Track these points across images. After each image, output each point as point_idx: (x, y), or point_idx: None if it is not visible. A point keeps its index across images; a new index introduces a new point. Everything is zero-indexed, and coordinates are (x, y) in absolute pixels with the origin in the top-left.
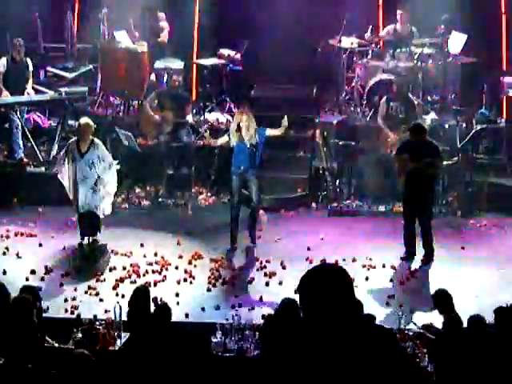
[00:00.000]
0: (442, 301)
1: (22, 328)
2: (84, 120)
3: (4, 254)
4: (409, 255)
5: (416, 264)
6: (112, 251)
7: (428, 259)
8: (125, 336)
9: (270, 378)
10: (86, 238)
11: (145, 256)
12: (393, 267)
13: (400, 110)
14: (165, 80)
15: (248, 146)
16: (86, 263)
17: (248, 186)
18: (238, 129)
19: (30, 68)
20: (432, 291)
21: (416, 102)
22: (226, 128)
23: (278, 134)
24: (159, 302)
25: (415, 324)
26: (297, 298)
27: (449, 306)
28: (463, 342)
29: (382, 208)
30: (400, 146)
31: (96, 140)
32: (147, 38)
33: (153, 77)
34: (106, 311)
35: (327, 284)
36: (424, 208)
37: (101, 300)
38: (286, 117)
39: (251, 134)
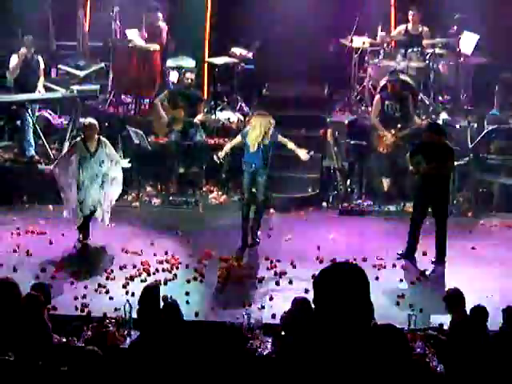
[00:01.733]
0: (455, 301)
1: (32, 325)
2: (89, 120)
3: (14, 251)
4: (407, 253)
5: (427, 264)
6: (122, 249)
7: (440, 259)
8: (135, 334)
9: (282, 377)
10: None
11: (155, 254)
12: (403, 267)
13: (395, 109)
14: (174, 79)
15: (261, 146)
16: (85, 265)
17: (256, 185)
18: (256, 132)
19: (41, 66)
20: (442, 291)
21: (409, 101)
22: (237, 127)
23: (287, 146)
24: (169, 301)
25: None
26: (306, 297)
27: (460, 307)
28: (471, 340)
29: (392, 208)
30: (414, 146)
31: (102, 138)
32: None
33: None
34: (116, 309)
35: (345, 282)
36: (439, 208)
37: (111, 298)
38: (311, 153)
39: (267, 137)
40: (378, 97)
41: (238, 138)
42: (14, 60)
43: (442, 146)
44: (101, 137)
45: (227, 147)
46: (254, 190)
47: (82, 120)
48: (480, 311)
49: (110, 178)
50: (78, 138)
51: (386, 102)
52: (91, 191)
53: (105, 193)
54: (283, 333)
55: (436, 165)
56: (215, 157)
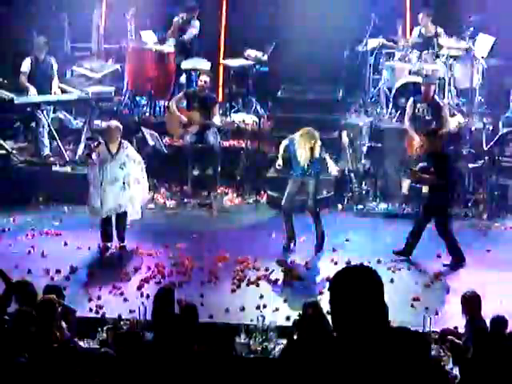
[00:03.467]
0: (472, 303)
1: (46, 327)
2: (113, 122)
3: (29, 252)
4: (401, 251)
5: (442, 266)
6: (137, 251)
7: (454, 262)
8: (149, 336)
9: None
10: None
11: (170, 256)
12: (418, 269)
13: (427, 112)
14: (184, 80)
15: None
16: (100, 266)
17: (306, 189)
18: (305, 151)
19: (54, 67)
20: (458, 294)
21: (442, 104)
22: (252, 129)
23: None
24: (183, 303)
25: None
26: (320, 299)
27: (477, 309)
28: (487, 345)
29: (409, 210)
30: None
31: (124, 140)
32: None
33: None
34: (130, 311)
35: (360, 285)
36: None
37: (125, 300)
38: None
39: (315, 152)
40: (411, 100)
41: (286, 143)
42: (25, 63)
43: None
44: (122, 139)
45: (280, 153)
46: (298, 197)
47: (97, 120)
48: (500, 321)
49: (133, 179)
50: (101, 141)
51: (418, 106)
52: (110, 195)
53: (131, 196)
54: (295, 336)
55: None
56: (278, 166)
